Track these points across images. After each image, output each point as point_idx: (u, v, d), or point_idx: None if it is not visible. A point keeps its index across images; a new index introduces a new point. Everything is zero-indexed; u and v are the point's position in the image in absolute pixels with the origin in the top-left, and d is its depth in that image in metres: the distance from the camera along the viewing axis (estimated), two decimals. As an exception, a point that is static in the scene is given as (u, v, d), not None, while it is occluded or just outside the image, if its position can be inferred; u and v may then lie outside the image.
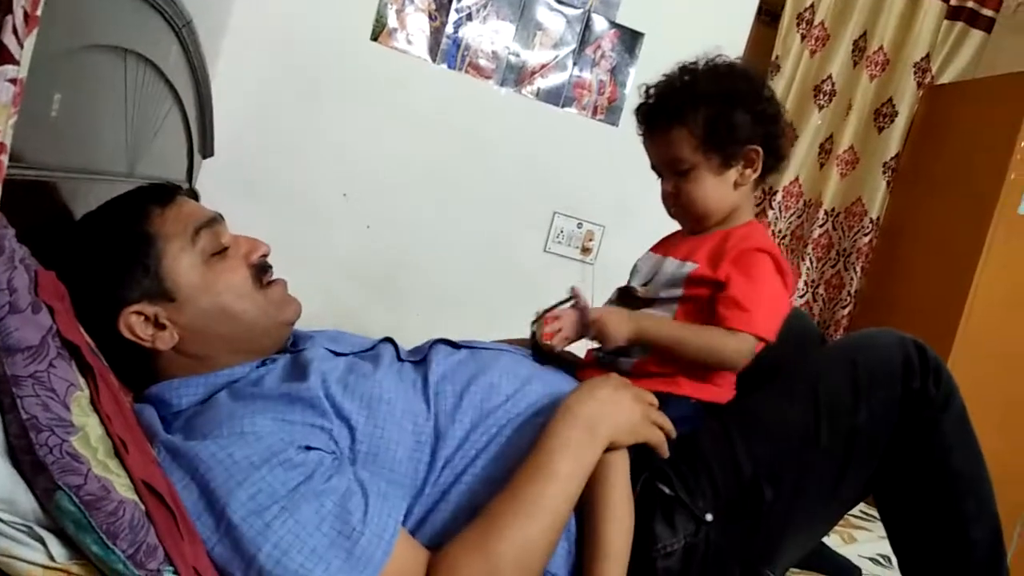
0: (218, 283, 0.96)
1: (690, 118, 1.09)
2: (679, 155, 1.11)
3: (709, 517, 1.03)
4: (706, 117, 1.08)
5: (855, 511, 1.77)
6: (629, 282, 1.23)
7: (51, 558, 0.69)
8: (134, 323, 0.92)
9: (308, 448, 0.86)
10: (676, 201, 1.16)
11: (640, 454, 1.03)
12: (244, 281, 0.99)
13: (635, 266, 1.24)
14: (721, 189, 1.13)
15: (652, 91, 1.15)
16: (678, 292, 1.12)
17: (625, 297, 1.23)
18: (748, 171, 1.13)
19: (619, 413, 0.97)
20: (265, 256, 1.03)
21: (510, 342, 1.25)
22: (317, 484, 0.82)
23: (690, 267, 1.12)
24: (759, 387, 1.15)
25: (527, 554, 0.86)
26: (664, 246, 1.24)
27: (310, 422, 0.90)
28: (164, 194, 0.99)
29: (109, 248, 0.92)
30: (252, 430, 0.85)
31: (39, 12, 0.52)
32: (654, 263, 1.20)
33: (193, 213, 0.99)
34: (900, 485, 1.06)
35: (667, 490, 1.04)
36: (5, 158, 0.52)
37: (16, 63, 0.51)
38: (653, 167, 1.18)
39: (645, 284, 1.19)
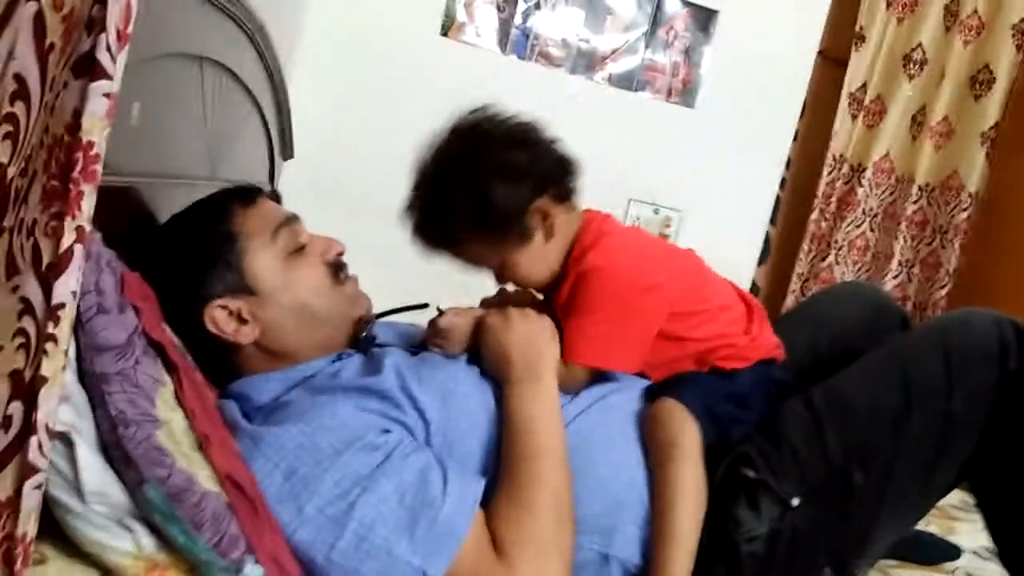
0: (297, 279, 1.00)
1: (460, 235, 1.04)
2: (479, 262, 1.09)
3: (795, 502, 1.00)
4: (474, 222, 1.02)
5: (955, 501, 1.70)
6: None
7: (140, 547, 0.72)
8: (218, 317, 0.96)
9: (386, 432, 0.89)
10: (513, 283, 1.12)
11: (721, 436, 1.02)
12: (321, 278, 1.02)
13: None
14: (536, 256, 1.06)
15: (414, 219, 1.08)
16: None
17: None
18: (547, 222, 1.05)
19: (541, 343, 1.02)
20: (341, 254, 1.06)
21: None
22: (397, 461, 0.85)
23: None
24: (842, 364, 1.11)
25: (563, 506, 0.91)
26: None
27: (386, 413, 0.92)
28: (246, 195, 1.03)
29: (195, 245, 0.97)
30: (332, 418, 0.88)
31: (130, 29, 0.54)
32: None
33: (273, 213, 1.03)
34: (997, 470, 1.01)
35: (751, 473, 1.02)
36: (100, 168, 0.54)
37: (110, 78, 0.53)
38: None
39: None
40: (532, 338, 1.02)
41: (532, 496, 0.90)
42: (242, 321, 0.97)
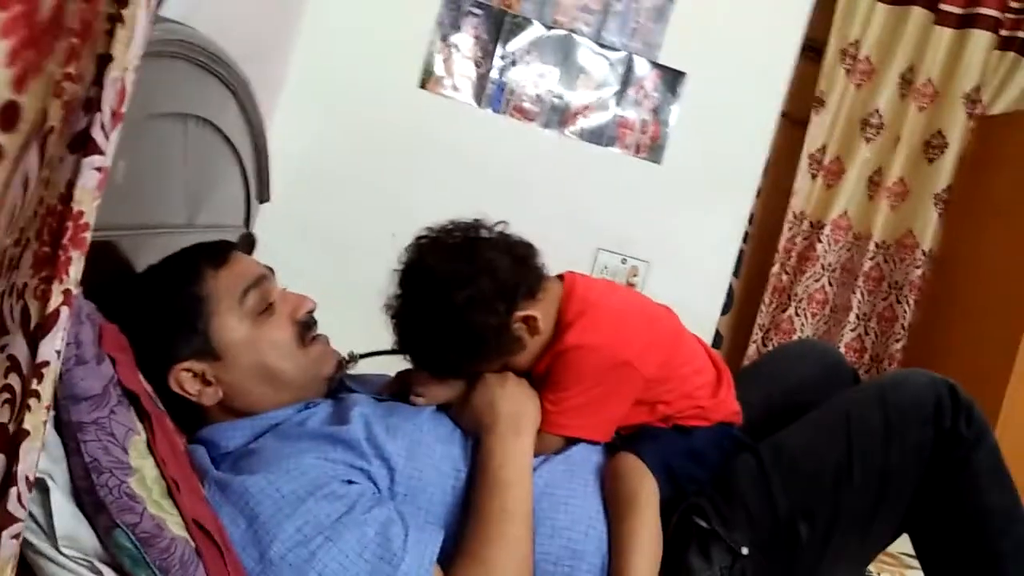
0: (262, 341, 1.02)
1: (464, 367, 1.07)
2: (484, 371, 1.08)
3: (745, 550, 1.05)
4: (472, 356, 1.05)
5: (908, 550, 1.74)
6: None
7: (109, 591, 0.75)
8: (183, 379, 0.98)
9: (350, 482, 0.92)
10: None
11: (676, 489, 1.06)
12: (287, 340, 1.04)
13: None
14: (531, 351, 1.08)
15: (417, 364, 1.10)
16: None
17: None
18: (531, 325, 1.06)
19: (517, 400, 1.04)
20: (311, 312, 1.09)
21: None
22: (359, 514, 0.88)
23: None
24: (794, 419, 1.17)
25: (523, 559, 0.94)
26: None
27: (350, 462, 0.95)
28: (218, 254, 1.05)
29: (164, 308, 0.99)
30: (297, 467, 0.91)
31: (124, 109, 0.58)
32: None
33: (244, 272, 1.04)
34: (934, 524, 1.07)
35: (703, 523, 1.06)
36: (89, 236, 0.58)
37: (103, 154, 0.57)
38: None
39: None
40: (521, 397, 1.05)
41: (496, 558, 0.92)
42: (206, 383, 1.00)
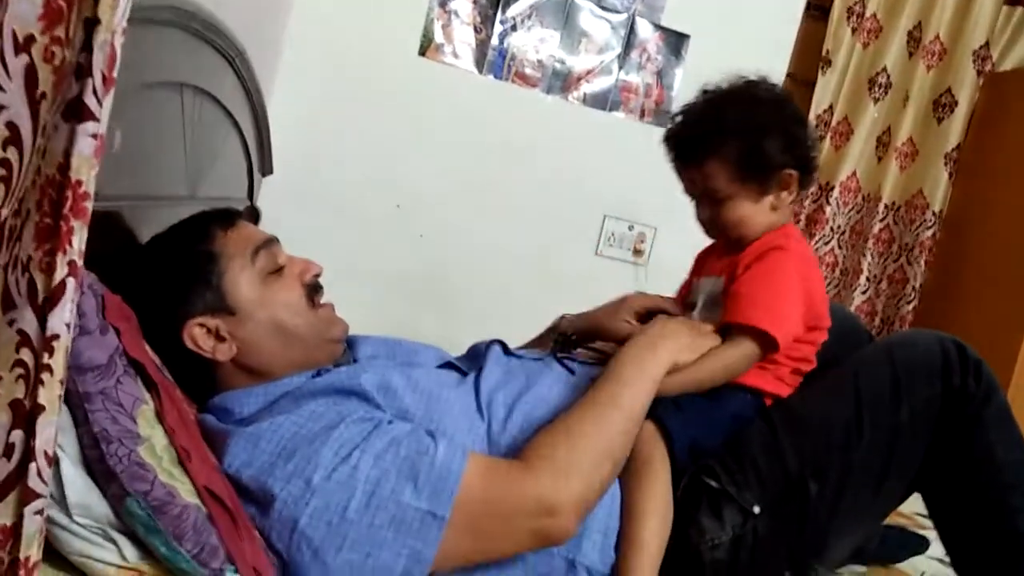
0: (274, 299, 1.02)
1: (723, 151, 1.09)
2: (714, 186, 1.11)
3: (756, 509, 1.05)
4: (739, 149, 1.09)
5: (922, 510, 1.74)
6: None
7: (124, 558, 0.76)
8: (197, 335, 0.98)
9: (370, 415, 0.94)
10: (713, 226, 1.17)
11: (687, 451, 1.06)
12: (298, 299, 1.05)
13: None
14: (759, 213, 1.13)
15: (680, 121, 1.16)
16: (719, 312, 1.13)
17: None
18: (784, 194, 1.13)
19: (676, 337, 1.07)
20: (317, 276, 1.09)
21: (534, 342, 1.32)
22: (384, 426, 0.91)
23: (722, 282, 1.14)
24: (806, 384, 1.16)
25: (606, 434, 0.96)
26: (699, 268, 1.27)
27: (364, 411, 0.95)
28: (226, 217, 1.06)
29: (176, 265, 0.99)
30: (315, 409, 0.92)
31: (115, 73, 0.57)
32: (694, 288, 1.24)
33: (252, 235, 1.05)
34: (945, 481, 1.07)
35: (714, 483, 1.06)
36: (90, 205, 0.57)
37: (97, 120, 0.56)
38: (686, 191, 1.19)
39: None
40: (675, 327, 1.10)
41: (581, 428, 0.95)
42: (220, 339, 0.99)
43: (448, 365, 1.16)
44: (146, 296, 0.92)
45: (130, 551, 0.76)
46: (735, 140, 1.09)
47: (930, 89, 2.79)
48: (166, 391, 0.83)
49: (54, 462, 0.72)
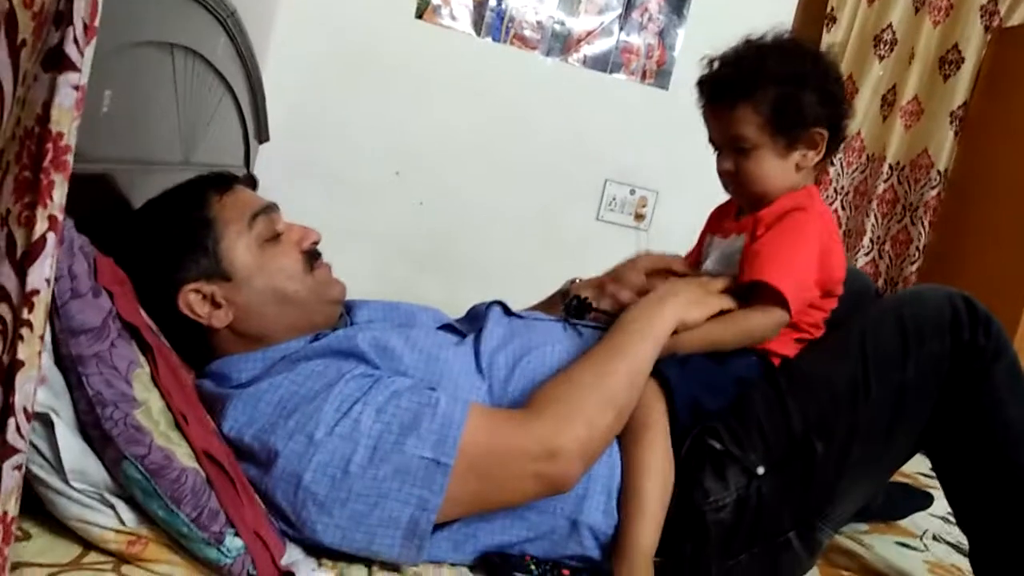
0: (272, 265, 1.01)
1: (758, 97, 1.07)
2: (742, 133, 1.08)
3: (760, 470, 1.04)
4: (774, 97, 1.06)
5: (925, 470, 1.75)
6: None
7: (122, 522, 0.75)
8: (192, 301, 0.97)
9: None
10: (734, 179, 1.14)
11: (688, 410, 1.05)
12: (296, 264, 1.03)
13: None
14: (782, 170, 1.10)
15: (717, 64, 1.12)
16: (734, 271, 1.12)
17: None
18: (811, 153, 1.10)
19: (683, 293, 1.08)
20: (316, 243, 1.07)
21: (541, 306, 1.30)
22: (384, 380, 0.91)
23: (741, 241, 1.12)
24: (812, 345, 1.15)
25: (608, 381, 0.96)
26: (713, 225, 1.25)
27: (363, 369, 0.95)
28: (222, 181, 1.04)
29: (171, 230, 0.98)
30: (314, 369, 0.92)
31: (96, 22, 0.56)
32: (707, 244, 1.22)
33: (249, 201, 1.03)
34: (952, 438, 1.06)
35: (717, 445, 1.05)
36: (70, 158, 0.55)
37: (78, 71, 0.54)
38: (711, 141, 1.16)
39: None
40: (690, 287, 1.10)
41: (583, 378, 0.96)
42: (216, 305, 0.98)
43: (447, 327, 1.15)
44: (141, 262, 0.91)
45: (128, 515, 0.76)
46: (773, 87, 1.06)
47: (936, 46, 2.74)
48: (161, 354, 0.82)
49: (49, 426, 0.71)
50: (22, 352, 0.55)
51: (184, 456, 0.77)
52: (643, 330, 1.02)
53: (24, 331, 0.55)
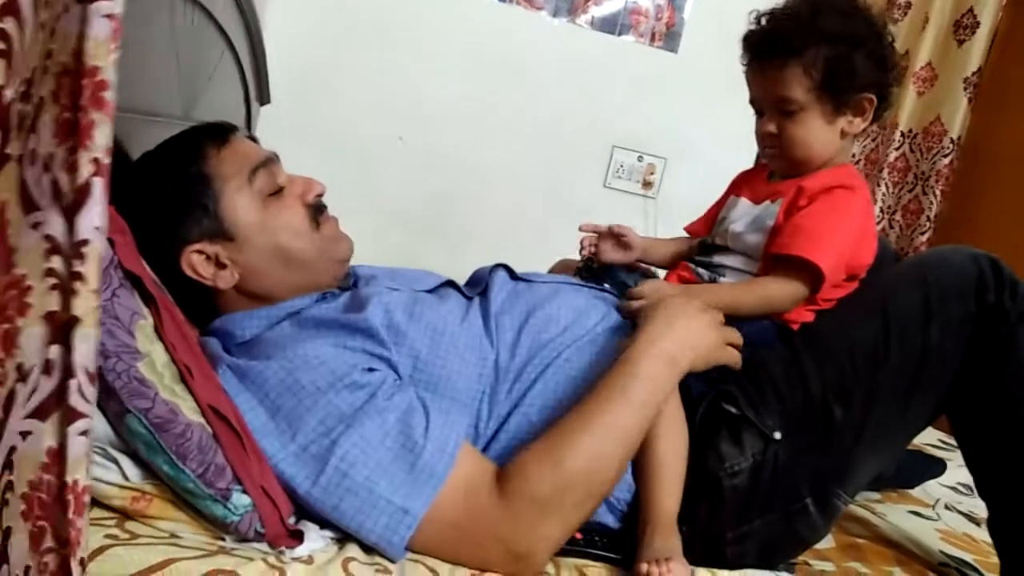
0: (275, 222, 0.98)
1: (809, 56, 1.03)
2: (789, 95, 1.05)
3: (777, 435, 1.02)
4: (827, 58, 1.02)
5: (935, 440, 1.73)
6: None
7: (125, 478, 0.73)
8: (196, 262, 0.94)
9: (371, 370, 0.89)
10: (775, 142, 1.10)
11: (705, 377, 1.02)
12: (301, 220, 1.00)
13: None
14: (827, 136, 1.07)
15: (767, 20, 1.08)
16: (760, 238, 1.09)
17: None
18: (858, 120, 1.07)
19: (699, 343, 0.97)
20: (320, 196, 1.04)
21: (557, 268, 1.27)
22: (380, 402, 0.85)
23: (775, 207, 1.09)
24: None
25: (598, 471, 0.86)
26: (740, 187, 1.21)
27: (370, 350, 0.91)
28: (220, 133, 1.00)
29: (168, 189, 0.94)
30: (316, 355, 0.87)
31: None
32: (729, 205, 1.19)
33: (249, 153, 1.00)
34: (975, 402, 1.03)
35: (733, 409, 1.03)
36: (110, 95, 0.51)
37: None
38: (753, 102, 1.12)
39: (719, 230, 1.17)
40: (706, 331, 0.99)
41: (576, 451, 0.85)
42: (220, 266, 0.95)
43: (450, 284, 1.12)
44: (140, 220, 0.87)
45: (132, 471, 0.73)
46: (826, 46, 1.02)
47: (951, 10, 2.68)
48: (164, 306, 0.79)
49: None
50: (78, 307, 0.51)
51: (189, 410, 0.74)
52: (650, 394, 0.91)
53: (78, 284, 0.51)
